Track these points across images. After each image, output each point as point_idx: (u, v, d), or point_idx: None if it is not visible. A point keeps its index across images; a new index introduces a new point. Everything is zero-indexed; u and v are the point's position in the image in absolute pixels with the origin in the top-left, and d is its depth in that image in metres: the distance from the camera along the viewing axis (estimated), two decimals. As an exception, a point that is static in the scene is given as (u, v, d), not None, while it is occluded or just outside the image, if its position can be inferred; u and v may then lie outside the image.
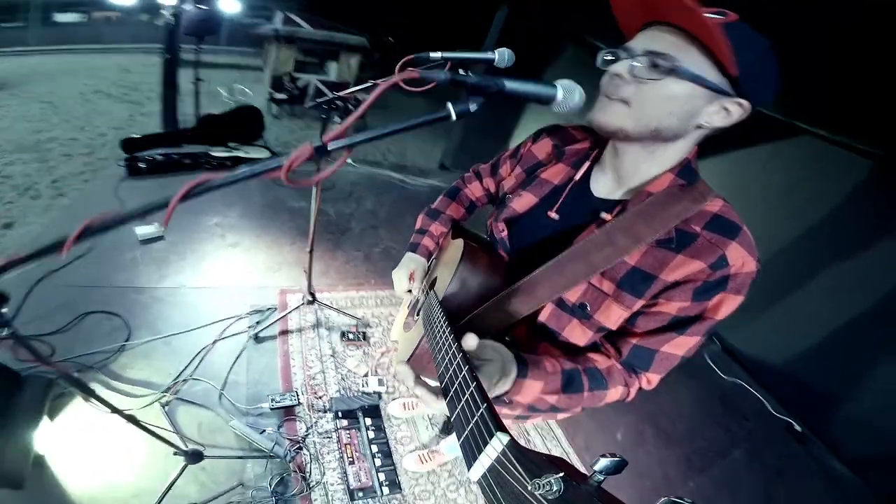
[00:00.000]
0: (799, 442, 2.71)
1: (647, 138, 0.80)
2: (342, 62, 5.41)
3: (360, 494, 1.72)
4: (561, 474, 0.37)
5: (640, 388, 0.90)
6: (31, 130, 4.05)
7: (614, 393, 0.87)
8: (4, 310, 0.70)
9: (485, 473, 0.46)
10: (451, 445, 1.86)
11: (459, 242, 1.05)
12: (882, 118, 2.03)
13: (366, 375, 2.24)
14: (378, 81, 1.80)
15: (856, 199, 2.71)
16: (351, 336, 2.44)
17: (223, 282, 2.61)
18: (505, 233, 1.03)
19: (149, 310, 2.29)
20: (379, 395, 2.15)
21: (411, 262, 1.21)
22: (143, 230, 2.71)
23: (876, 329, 2.58)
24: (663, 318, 0.82)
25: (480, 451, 0.48)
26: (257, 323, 2.37)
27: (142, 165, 3.30)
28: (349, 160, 4.44)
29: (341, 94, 1.92)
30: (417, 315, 1.13)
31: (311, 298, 2.48)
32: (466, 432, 0.54)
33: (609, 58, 0.78)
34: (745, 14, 0.71)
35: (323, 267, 2.95)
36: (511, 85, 0.70)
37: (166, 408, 1.84)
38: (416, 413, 2.11)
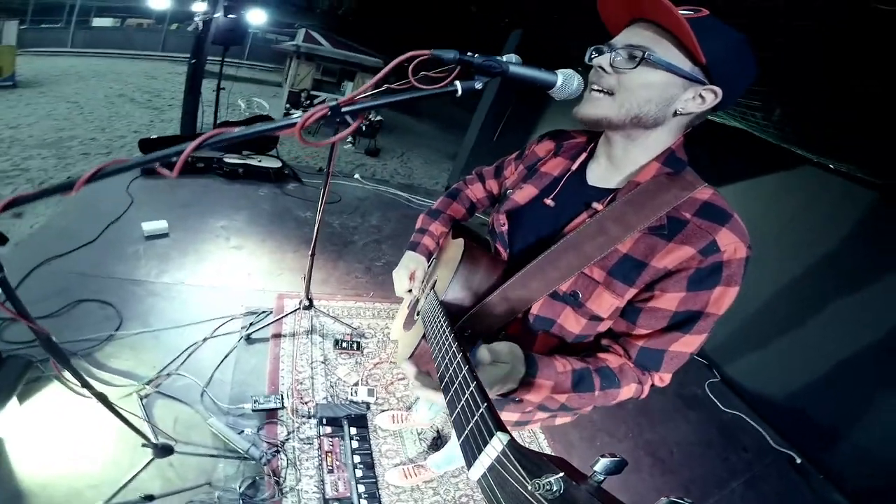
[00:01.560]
0: (798, 474, 2.63)
1: (629, 125, 0.83)
2: (358, 82, 5.57)
3: None
4: (561, 474, 0.37)
5: (653, 386, 0.89)
6: (55, 128, 4.18)
7: (627, 391, 0.86)
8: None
9: (484, 473, 0.46)
10: (439, 462, 1.80)
11: (460, 242, 1.04)
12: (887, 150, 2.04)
13: (356, 385, 2.19)
14: (392, 86, 1.85)
15: (860, 231, 2.71)
16: (345, 344, 2.41)
17: (222, 282, 2.60)
18: (506, 226, 1.03)
19: (143, 303, 2.29)
20: (367, 405, 2.10)
21: (411, 262, 1.20)
22: (150, 226, 2.74)
23: (878, 361, 2.54)
24: (665, 315, 0.82)
25: (480, 451, 0.48)
26: (251, 324, 2.35)
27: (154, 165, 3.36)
28: (358, 177, 4.51)
29: (343, 100, 1.95)
30: (417, 315, 1.12)
31: (307, 303, 2.47)
32: (466, 432, 0.54)
33: (595, 55, 0.83)
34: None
35: (324, 275, 2.95)
36: (515, 68, 0.73)
37: (144, 400, 1.81)
38: (404, 426, 2.06)
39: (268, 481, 1.65)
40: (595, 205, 0.89)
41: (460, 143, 5.11)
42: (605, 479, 0.37)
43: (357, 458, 1.84)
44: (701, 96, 0.78)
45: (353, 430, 1.95)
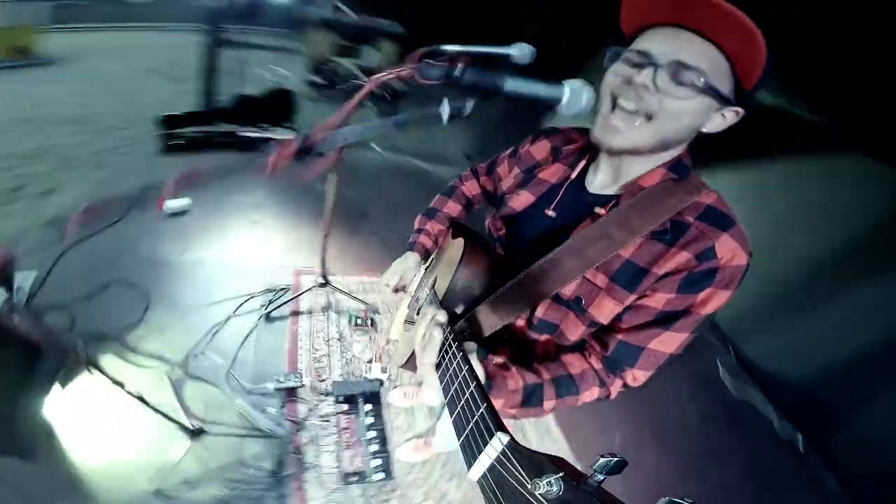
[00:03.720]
0: (797, 458, 2.64)
1: (656, 150, 0.80)
2: (379, 48, 5.44)
3: (354, 479, 1.74)
4: (561, 474, 0.38)
5: (626, 385, 0.88)
6: (79, 104, 4.26)
7: (588, 395, 0.87)
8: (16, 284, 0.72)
9: (484, 473, 0.46)
10: (441, 440, 1.84)
11: (460, 242, 1.04)
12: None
13: (370, 361, 2.25)
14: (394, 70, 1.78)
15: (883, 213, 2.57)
16: (359, 321, 2.45)
17: (242, 258, 2.68)
18: (503, 231, 1.03)
19: (168, 282, 2.38)
20: (381, 382, 2.15)
21: (402, 262, 1.22)
22: (172, 203, 2.80)
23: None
24: (649, 312, 0.81)
25: (480, 451, 0.48)
26: (270, 302, 2.41)
27: (176, 142, 3.41)
28: (374, 145, 4.46)
29: (372, 77, 1.89)
30: (418, 314, 1.13)
31: (323, 281, 2.51)
32: (466, 432, 0.54)
33: (622, 64, 0.75)
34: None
35: (339, 251, 2.97)
36: (511, 84, 0.66)
37: (175, 384, 1.90)
38: (416, 403, 2.10)
39: (291, 458, 1.74)
40: (598, 209, 0.87)
41: (479, 108, 4.95)
42: (604, 478, 0.37)
43: (372, 434, 1.91)
44: (723, 115, 0.74)
45: (368, 407, 2.01)
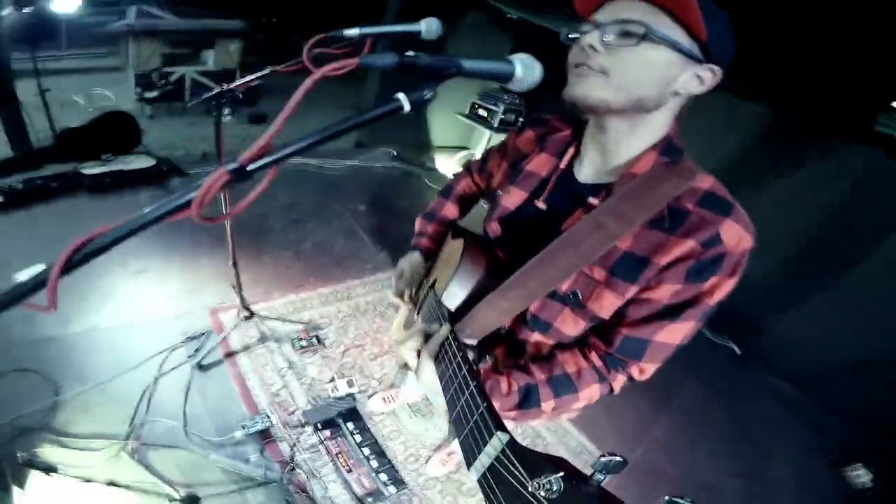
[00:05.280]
0: (740, 365, 3.08)
1: (630, 109, 0.77)
2: (219, 49, 4.87)
3: (370, 500, 1.66)
4: (561, 474, 0.38)
5: (631, 379, 0.88)
6: None
7: (588, 393, 0.86)
8: None
9: (484, 473, 0.46)
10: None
11: (459, 242, 1.04)
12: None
13: (332, 381, 2.10)
14: (278, 68, 1.60)
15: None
16: (303, 343, 2.27)
17: (141, 315, 2.28)
18: (500, 232, 1.01)
19: (67, 360, 1.96)
20: (353, 396, 2.04)
21: (404, 262, 1.23)
22: (26, 276, 2.25)
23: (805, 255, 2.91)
24: (655, 305, 0.80)
25: (480, 450, 0.48)
26: (196, 350, 2.11)
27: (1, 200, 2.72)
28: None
29: (232, 85, 1.68)
30: (418, 315, 1.13)
31: (248, 314, 2.27)
32: (466, 431, 0.54)
33: (575, 35, 0.75)
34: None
35: (252, 275, 2.69)
36: (469, 65, 0.63)
37: (136, 457, 1.63)
38: (396, 405, 2.04)
39: (299, 499, 1.61)
40: (591, 199, 0.85)
41: (360, 92, 4.75)
42: (605, 478, 0.38)
43: (367, 451, 1.82)
44: (699, 76, 0.75)
45: (351, 426, 1.90)
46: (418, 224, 1.30)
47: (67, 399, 1.79)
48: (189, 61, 4.77)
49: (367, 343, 2.41)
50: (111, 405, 1.81)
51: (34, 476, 1.48)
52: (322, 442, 1.81)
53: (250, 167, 0.51)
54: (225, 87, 1.67)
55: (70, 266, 0.46)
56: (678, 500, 0.33)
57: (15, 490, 1.38)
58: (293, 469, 1.68)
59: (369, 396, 2.05)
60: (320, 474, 1.71)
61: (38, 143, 3.43)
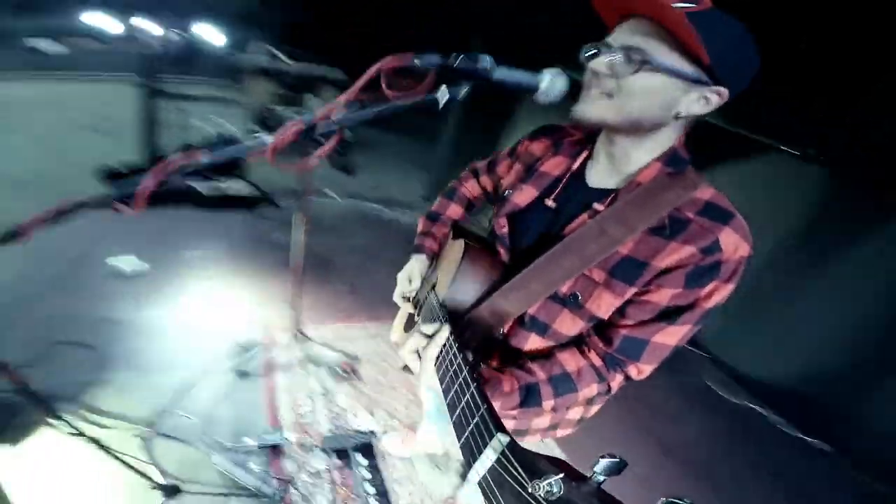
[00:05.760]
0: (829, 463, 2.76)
1: (629, 128, 0.82)
2: (321, 96, 5.45)
3: None
4: (561, 475, 0.38)
5: (629, 378, 0.90)
6: (11, 164, 3.88)
7: (587, 392, 0.88)
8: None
9: (485, 475, 0.46)
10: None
11: (460, 243, 1.05)
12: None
13: (357, 414, 2.18)
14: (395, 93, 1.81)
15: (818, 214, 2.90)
16: (341, 372, 2.39)
17: (204, 316, 2.52)
18: (506, 229, 1.03)
19: (125, 342, 2.20)
20: (373, 432, 2.09)
21: (411, 264, 1.25)
22: (119, 262, 2.62)
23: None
24: (654, 307, 0.83)
25: (481, 452, 0.48)
26: (242, 359, 2.29)
27: (127, 200, 3.18)
28: (330, 192, 4.45)
29: (316, 117, 1.91)
30: (419, 316, 1.14)
31: (298, 334, 2.43)
32: (467, 433, 0.54)
33: (590, 53, 0.79)
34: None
35: (310, 301, 2.89)
36: (498, 73, 0.69)
37: (145, 442, 1.76)
38: (414, 450, 2.05)
39: None
40: (596, 205, 0.89)
41: (432, 152, 5.09)
42: (605, 479, 0.38)
43: (371, 489, 1.83)
44: (705, 98, 0.77)
45: (363, 460, 1.94)
46: (421, 224, 1.32)
47: (109, 379, 1.98)
48: (295, 103, 5.37)
49: (399, 386, 2.48)
50: (148, 392, 1.97)
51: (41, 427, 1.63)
52: (329, 470, 1.85)
53: (319, 126, 0.63)
54: (312, 117, 1.92)
55: (163, 179, 0.60)
56: (677, 500, 0.33)
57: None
58: (287, 490, 1.72)
59: (384, 432, 2.10)
60: (315, 501, 1.73)
61: (164, 154, 3.98)
